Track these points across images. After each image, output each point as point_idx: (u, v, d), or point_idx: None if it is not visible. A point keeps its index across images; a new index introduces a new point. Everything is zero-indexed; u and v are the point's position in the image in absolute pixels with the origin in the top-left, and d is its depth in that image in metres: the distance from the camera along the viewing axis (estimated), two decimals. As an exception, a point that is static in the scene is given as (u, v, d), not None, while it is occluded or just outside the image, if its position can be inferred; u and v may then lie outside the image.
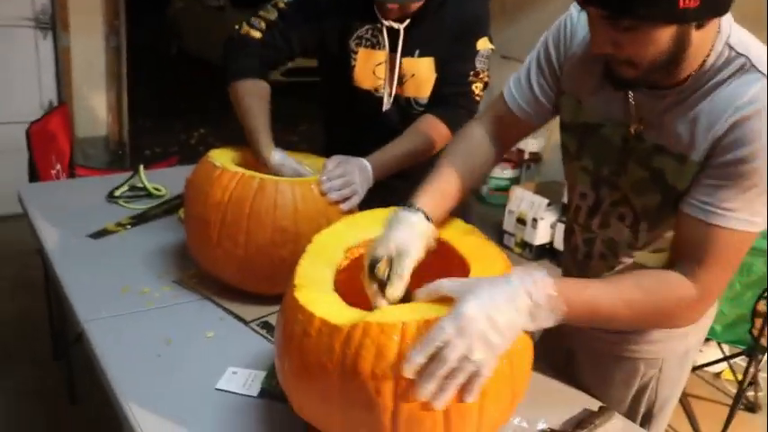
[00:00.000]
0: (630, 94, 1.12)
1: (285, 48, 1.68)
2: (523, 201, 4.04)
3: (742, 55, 1.02)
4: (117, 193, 2.02)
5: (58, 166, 2.83)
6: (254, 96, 1.64)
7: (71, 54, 4.04)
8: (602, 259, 1.27)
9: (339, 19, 1.66)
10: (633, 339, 1.29)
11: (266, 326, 1.42)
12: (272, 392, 1.21)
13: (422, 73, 1.67)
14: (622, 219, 1.21)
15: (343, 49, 1.68)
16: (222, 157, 1.51)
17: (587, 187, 1.25)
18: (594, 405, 1.26)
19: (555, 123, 1.30)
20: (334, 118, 1.89)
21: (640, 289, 1.06)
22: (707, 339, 1.47)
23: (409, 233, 1.08)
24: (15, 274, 3.24)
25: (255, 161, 1.60)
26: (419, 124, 1.66)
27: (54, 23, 3.87)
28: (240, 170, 1.44)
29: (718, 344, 2.73)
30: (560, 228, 3.95)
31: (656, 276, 1.09)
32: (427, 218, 1.12)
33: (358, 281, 1.08)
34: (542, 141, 4.79)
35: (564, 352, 1.42)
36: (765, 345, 2.54)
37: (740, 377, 2.60)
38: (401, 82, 1.69)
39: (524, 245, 4.04)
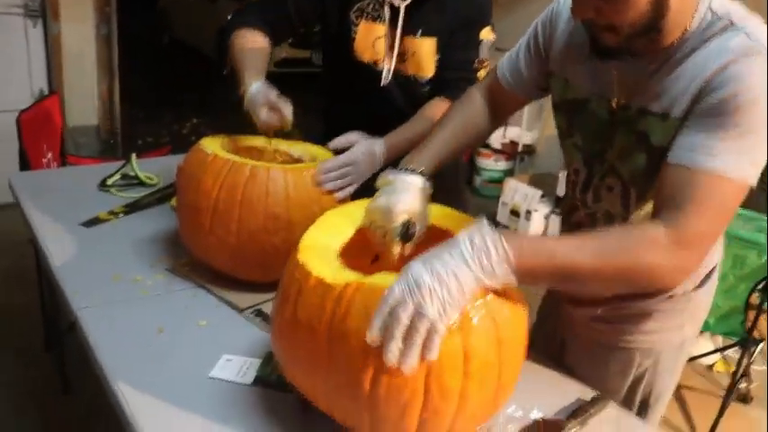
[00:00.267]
0: (615, 68, 1.13)
1: (282, 11, 1.68)
2: (517, 193, 4.04)
3: (724, 17, 1.03)
4: (109, 182, 2.00)
5: (50, 155, 2.80)
6: (247, 40, 1.64)
7: (62, 42, 3.98)
8: None
9: None
10: (628, 330, 1.29)
11: (260, 314, 1.41)
12: (266, 380, 1.20)
13: (423, 52, 1.67)
14: (611, 189, 1.21)
15: (344, 21, 1.68)
16: (214, 145, 1.50)
17: (580, 163, 1.27)
18: (589, 394, 1.25)
19: (549, 116, 1.31)
20: (334, 93, 1.87)
21: (605, 235, 1.01)
22: (700, 331, 1.47)
23: (418, 198, 1.19)
24: (9, 265, 3.21)
25: (247, 149, 1.58)
26: (429, 108, 1.66)
27: (44, 11, 3.82)
28: (232, 157, 1.43)
29: (711, 335, 2.75)
30: (554, 219, 3.95)
31: (626, 225, 1.07)
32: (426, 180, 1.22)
33: (363, 261, 1.10)
34: (536, 134, 4.80)
35: (559, 341, 1.42)
36: (758, 337, 2.56)
37: (733, 369, 2.62)
38: (402, 59, 1.69)
39: (518, 237, 4.04)
